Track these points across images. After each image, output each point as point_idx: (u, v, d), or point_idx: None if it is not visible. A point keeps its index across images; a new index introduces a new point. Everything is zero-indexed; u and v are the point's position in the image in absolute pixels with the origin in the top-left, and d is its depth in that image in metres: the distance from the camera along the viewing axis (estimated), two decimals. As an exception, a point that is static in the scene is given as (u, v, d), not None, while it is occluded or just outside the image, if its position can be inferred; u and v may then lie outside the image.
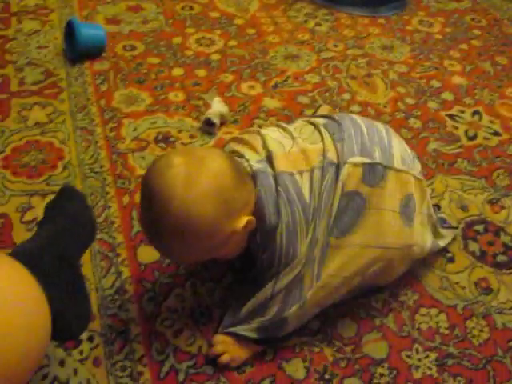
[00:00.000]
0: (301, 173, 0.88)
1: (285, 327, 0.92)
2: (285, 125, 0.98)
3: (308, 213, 0.87)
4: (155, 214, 0.81)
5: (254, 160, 0.89)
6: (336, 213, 0.89)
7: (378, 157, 0.92)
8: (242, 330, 0.92)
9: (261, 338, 0.92)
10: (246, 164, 0.88)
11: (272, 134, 0.94)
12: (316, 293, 0.91)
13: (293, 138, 0.93)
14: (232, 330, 0.93)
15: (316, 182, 0.88)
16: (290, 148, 0.91)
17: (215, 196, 0.80)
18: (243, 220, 0.84)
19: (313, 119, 1.00)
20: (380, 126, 1.01)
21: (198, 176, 0.79)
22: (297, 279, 0.89)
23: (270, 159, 0.89)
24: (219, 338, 0.94)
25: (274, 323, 0.91)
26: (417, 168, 1.01)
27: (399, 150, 0.97)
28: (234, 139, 0.97)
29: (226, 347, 0.93)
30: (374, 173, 0.91)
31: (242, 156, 0.90)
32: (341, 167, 0.89)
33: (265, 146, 0.90)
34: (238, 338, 0.93)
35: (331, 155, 0.90)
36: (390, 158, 0.94)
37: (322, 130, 0.94)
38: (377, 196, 0.91)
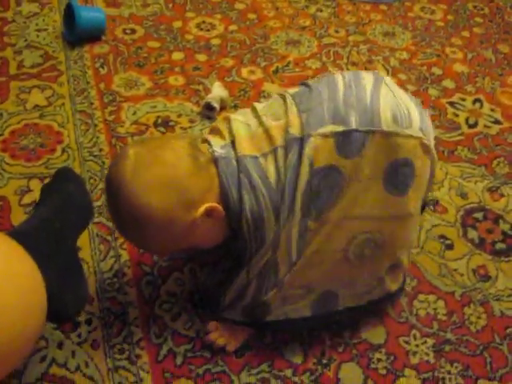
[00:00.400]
0: (265, 155, 0.83)
1: (269, 310, 0.89)
2: (256, 104, 0.92)
3: (275, 197, 0.82)
4: (111, 202, 0.82)
5: (217, 145, 0.85)
6: (310, 193, 0.82)
7: (354, 122, 0.81)
8: (228, 314, 0.92)
9: (247, 320, 0.91)
10: (210, 150, 0.85)
11: (241, 118, 0.89)
12: (294, 275, 0.86)
13: (258, 117, 0.87)
14: (221, 315, 0.93)
15: (280, 163, 0.82)
16: (256, 129, 0.86)
17: (164, 185, 0.78)
18: (201, 209, 0.81)
19: (285, 91, 0.93)
20: (369, 79, 0.88)
21: (146, 166, 0.79)
22: (269, 265, 0.85)
23: (233, 143, 0.85)
24: (213, 324, 0.94)
25: (256, 307, 0.89)
26: (416, 125, 0.85)
27: (390, 107, 0.83)
28: (209, 128, 0.96)
29: (221, 333, 0.93)
30: (349, 141, 0.81)
31: (208, 143, 0.87)
32: (305, 141, 0.81)
33: (230, 131, 0.87)
34: (231, 323, 0.93)
35: (294, 130, 0.82)
36: (373, 120, 0.82)
37: (288, 101, 0.87)
38: (357, 166, 0.82)
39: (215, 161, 0.83)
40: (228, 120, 0.89)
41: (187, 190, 0.80)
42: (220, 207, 0.83)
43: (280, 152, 0.82)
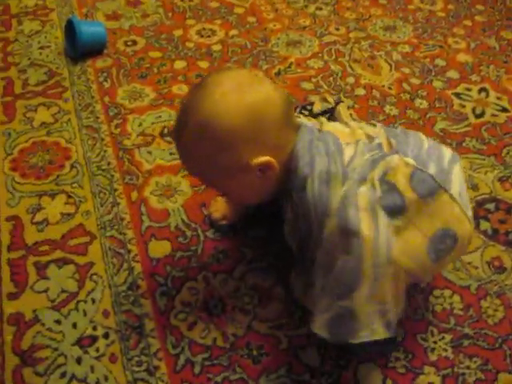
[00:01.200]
0: (346, 143, 0.85)
1: (355, 322, 0.79)
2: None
3: (345, 171, 0.81)
4: (189, 100, 0.84)
5: (306, 120, 0.92)
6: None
7: (432, 170, 0.83)
8: (315, 327, 0.83)
9: (332, 337, 0.82)
10: (298, 119, 0.91)
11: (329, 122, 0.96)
12: None
13: (347, 124, 0.93)
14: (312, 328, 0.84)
15: (359, 151, 0.83)
16: (343, 129, 0.91)
17: (250, 117, 0.80)
18: (262, 158, 0.82)
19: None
20: (448, 152, 0.90)
21: (250, 88, 0.82)
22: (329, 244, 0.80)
23: (320, 127, 0.91)
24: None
25: (341, 314, 0.80)
26: (470, 215, 0.87)
27: (459, 184, 0.85)
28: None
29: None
30: (423, 182, 0.81)
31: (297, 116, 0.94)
32: (389, 154, 0.83)
33: (319, 121, 0.93)
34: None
35: (382, 141, 0.86)
36: (445, 181, 0.83)
37: (378, 126, 0.92)
38: (417, 208, 0.81)
39: (298, 128, 0.88)
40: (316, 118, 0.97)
41: (264, 135, 0.82)
42: (276, 169, 0.84)
43: (361, 145, 0.85)
